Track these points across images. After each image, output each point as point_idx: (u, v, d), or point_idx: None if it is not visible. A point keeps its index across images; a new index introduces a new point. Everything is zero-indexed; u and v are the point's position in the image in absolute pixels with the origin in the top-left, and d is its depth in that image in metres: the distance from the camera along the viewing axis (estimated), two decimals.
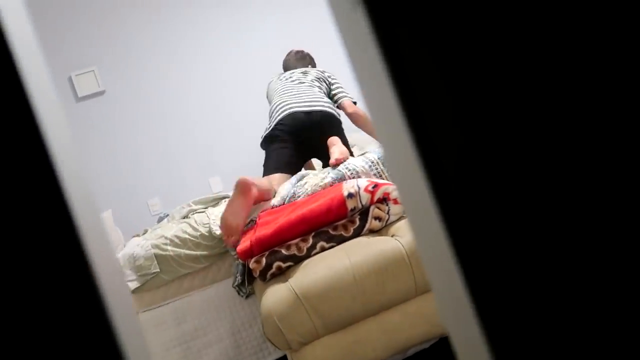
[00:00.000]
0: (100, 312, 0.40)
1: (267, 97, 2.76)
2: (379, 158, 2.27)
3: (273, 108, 2.55)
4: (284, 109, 2.49)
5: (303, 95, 2.51)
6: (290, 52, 2.91)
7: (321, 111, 2.46)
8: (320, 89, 2.60)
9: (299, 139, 2.47)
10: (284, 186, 2.39)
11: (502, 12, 0.51)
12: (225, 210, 2.07)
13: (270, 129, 2.50)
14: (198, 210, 2.65)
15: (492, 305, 0.52)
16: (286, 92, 2.57)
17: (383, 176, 2.18)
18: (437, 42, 0.52)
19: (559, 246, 0.52)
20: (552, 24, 0.51)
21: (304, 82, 2.62)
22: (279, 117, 2.47)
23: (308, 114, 2.44)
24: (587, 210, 0.52)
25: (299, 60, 2.85)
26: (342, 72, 2.68)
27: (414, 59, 0.52)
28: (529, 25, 0.51)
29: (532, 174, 0.52)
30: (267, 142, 2.51)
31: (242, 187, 2.05)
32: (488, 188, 0.52)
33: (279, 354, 2.09)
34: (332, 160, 2.22)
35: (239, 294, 2.28)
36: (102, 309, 0.40)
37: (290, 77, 2.67)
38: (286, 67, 2.87)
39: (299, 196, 2.30)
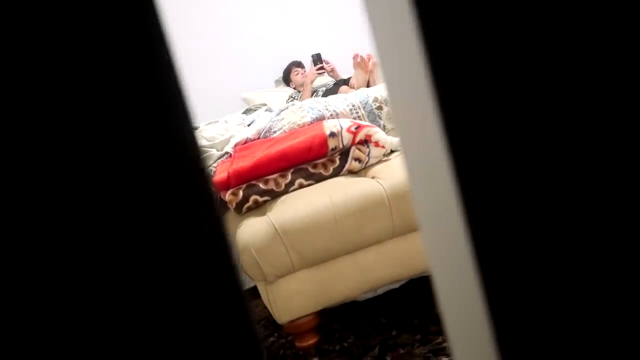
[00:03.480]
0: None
1: None
2: (360, 102, 2.25)
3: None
4: None
5: None
6: None
7: None
8: None
9: None
10: (262, 118, 2.36)
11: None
12: None
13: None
14: None
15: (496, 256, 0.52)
16: None
17: (363, 120, 2.18)
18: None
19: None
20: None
21: None
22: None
23: None
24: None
25: None
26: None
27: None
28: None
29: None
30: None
31: None
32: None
33: (249, 285, 2.12)
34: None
35: None
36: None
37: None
38: None
39: (274, 131, 2.28)
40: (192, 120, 0.42)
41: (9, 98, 0.37)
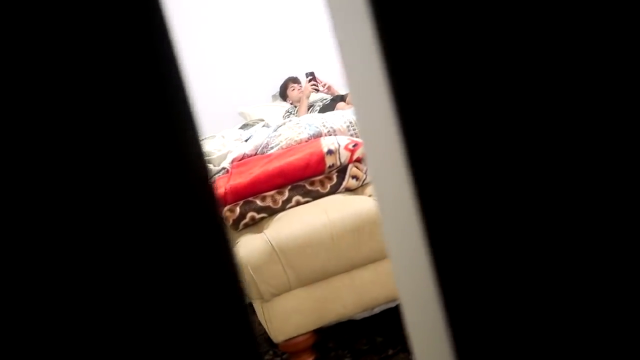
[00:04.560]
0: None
1: None
2: None
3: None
4: None
5: None
6: None
7: None
8: None
9: None
10: (260, 134, 2.36)
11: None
12: None
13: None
14: None
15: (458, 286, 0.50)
16: None
17: (360, 137, 2.19)
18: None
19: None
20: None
21: None
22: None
23: None
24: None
25: None
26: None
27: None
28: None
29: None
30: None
31: None
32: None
33: None
34: None
35: None
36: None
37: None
38: None
39: (272, 147, 2.28)
40: (200, 134, 0.42)
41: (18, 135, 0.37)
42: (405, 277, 0.54)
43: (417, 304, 0.53)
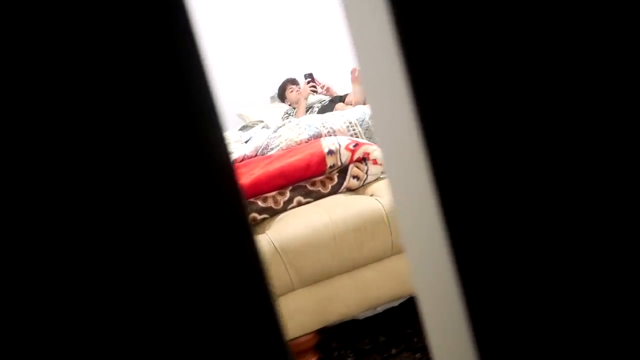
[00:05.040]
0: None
1: None
2: (357, 119, 2.27)
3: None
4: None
5: None
6: None
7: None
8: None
9: None
10: (259, 135, 2.37)
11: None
12: None
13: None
14: None
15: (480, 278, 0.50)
16: None
17: (360, 137, 2.19)
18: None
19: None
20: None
21: None
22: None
23: None
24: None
25: None
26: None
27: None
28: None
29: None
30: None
31: None
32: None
33: None
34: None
35: None
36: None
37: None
38: None
39: (272, 148, 2.28)
40: (224, 130, 0.43)
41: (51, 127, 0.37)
42: (423, 273, 0.54)
43: (436, 301, 0.54)
